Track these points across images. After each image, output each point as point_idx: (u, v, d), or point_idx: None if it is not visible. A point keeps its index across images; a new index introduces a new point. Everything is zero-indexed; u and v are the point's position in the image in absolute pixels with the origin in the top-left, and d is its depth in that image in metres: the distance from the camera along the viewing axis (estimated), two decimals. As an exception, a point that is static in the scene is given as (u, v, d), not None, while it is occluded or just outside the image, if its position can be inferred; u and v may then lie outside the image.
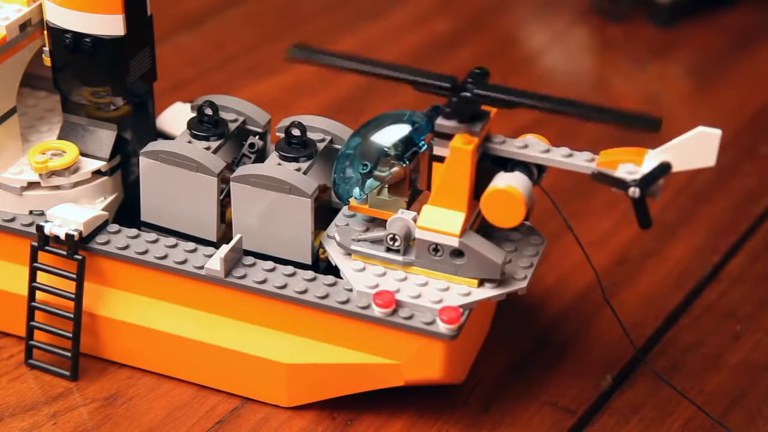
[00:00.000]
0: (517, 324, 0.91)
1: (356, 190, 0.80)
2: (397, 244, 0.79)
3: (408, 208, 0.80)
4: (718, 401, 0.85)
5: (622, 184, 0.74)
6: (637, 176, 0.74)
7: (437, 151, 0.77)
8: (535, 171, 0.78)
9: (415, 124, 0.79)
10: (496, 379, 0.86)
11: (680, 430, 0.83)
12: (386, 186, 0.81)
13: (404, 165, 0.79)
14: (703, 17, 1.34)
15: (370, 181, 0.80)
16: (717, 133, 0.73)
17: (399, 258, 0.79)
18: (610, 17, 1.33)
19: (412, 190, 0.81)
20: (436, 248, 0.78)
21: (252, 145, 0.87)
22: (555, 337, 0.90)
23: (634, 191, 0.74)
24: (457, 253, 0.78)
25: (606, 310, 0.86)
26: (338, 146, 0.85)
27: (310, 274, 0.80)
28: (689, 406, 0.84)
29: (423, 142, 0.80)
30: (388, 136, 0.79)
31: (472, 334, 0.84)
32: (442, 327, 0.76)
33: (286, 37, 1.28)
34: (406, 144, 0.79)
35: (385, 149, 0.79)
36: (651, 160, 0.74)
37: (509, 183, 0.76)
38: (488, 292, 0.78)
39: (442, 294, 0.78)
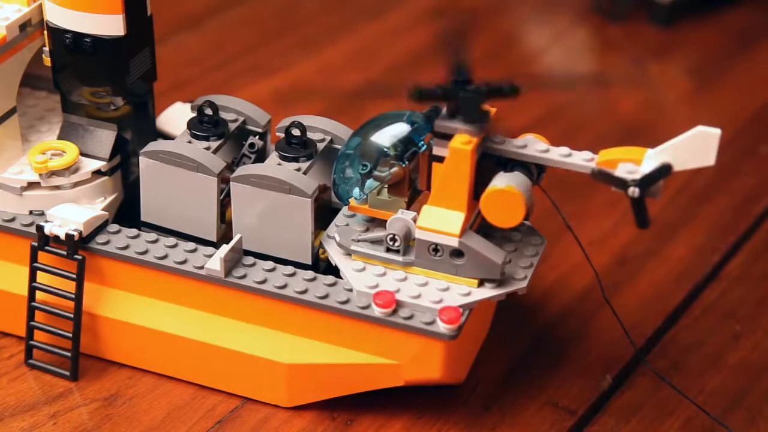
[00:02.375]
0: (517, 324, 0.91)
1: (356, 191, 0.80)
2: (397, 244, 0.79)
3: (408, 208, 0.80)
4: (718, 401, 0.85)
5: (622, 184, 0.74)
6: (637, 176, 0.74)
7: (437, 151, 0.77)
8: (534, 171, 0.78)
9: (414, 124, 0.79)
10: (496, 379, 0.86)
11: (680, 430, 0.83)
12: (386, 186, 0.81)
13: (404, 165, 0.79)
14: (703, 17, 1.34)
15: (369, 182, 0.80)
16: (716, 132, 0.73)
17: (399, 258, 0.79)
18: (610, 17, 1.33)
19: (412, 190, 0.81)
20: (436, 248, 0.78)
21: (252, 145, 0.87)
22: (555, 337, 0.90)
23: (634, 191, 0.74)
24: (457, 253, 0.78)
25: (606, 310, 0.86)
26: (338, 146, 0.85)
27: (310, 274, 0.80)
28: (689, 406, 0.84)
29: (422, 142, 0.80)
30: (388, 136, 0.79)
31: (472, 334, 0.84)
32: (442, 327, 0.76)
33: (286, 37, 1.28)
34: (406, 144, 0.79)
35: (385, 149, 0.79)
36: (651, 159, 0.74)
37: (509, 183, 0.76)
38: (488, 292, 0.78)
39: (442, 294, 0.78)
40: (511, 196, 0.75)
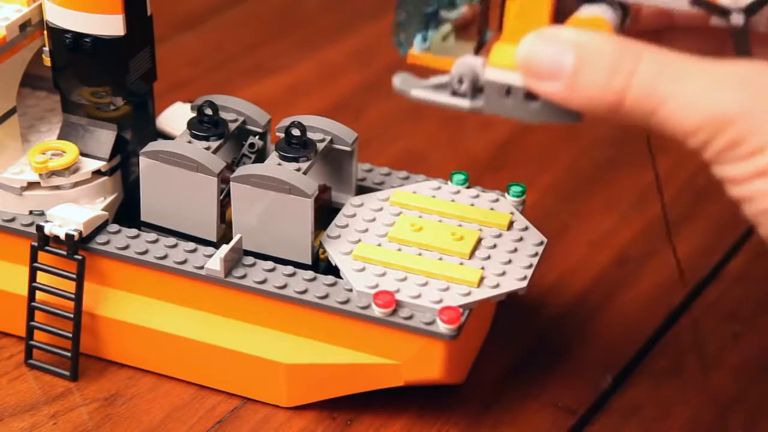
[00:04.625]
0: (517, 324, 0.91)
1: (419, 37, 0.71)
2: (464, 87, 0.68)
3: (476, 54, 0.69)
4: (719, 401, 0.85)
5: (723, 12, 0.66)
6: (742, 2, 0.65)
7: None
8: (620, 11, 0.68)
9: None
10: (496, 379, 0.86)
11: (680, 430, 0.83)
12: (452, 31, 0.71)
13: (474, 2, 0.71)
14: (704, 17, 1.33)
15: (433, 32, 0.71)
16: None
17: (466, 103, 0.68)
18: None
19: (480, 37, 0.72)
20: (508, 90, 0.67)
21: (252, 145, 0.87)
22: (555, 337, 0.90)
23: (738, 18, 0.66)
24: (533, 95, 0.66)
25: (606, 310, 0.86)
26: (338, 146, 0.85)
27: (310, 274, 0.80)
28: (689, 406, 0.84)
29: None
30: None
31: (472, 334, 0.84)
32: (442, 327, 0.76)
33: (286, 37, 1.28)
34: None
35: None
36: None
37: (594, 13, 0.67)
38: (488, 292, 0.78)
39: (442, 294, 0.78)
40: (598, 27, 0.65)
